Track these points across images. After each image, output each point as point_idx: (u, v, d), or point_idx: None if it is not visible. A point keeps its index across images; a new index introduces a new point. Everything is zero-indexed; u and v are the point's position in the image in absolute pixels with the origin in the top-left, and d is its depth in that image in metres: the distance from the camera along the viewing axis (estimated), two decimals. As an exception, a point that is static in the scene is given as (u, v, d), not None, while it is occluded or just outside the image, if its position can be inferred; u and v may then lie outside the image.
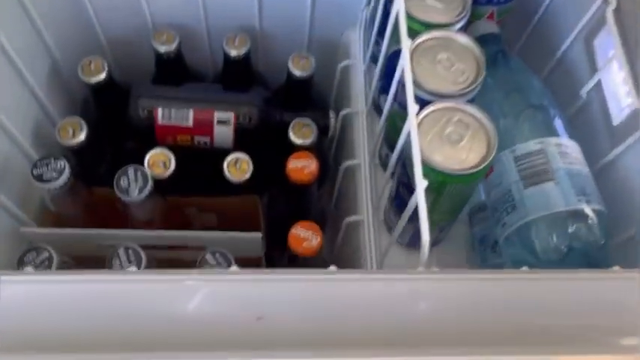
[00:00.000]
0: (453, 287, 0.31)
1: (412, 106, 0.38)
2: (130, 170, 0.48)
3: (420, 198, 0.35)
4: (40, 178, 0.47)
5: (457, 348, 0.29)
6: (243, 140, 0.61)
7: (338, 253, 0.62)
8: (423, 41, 0.44)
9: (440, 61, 0.43)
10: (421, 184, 0.35)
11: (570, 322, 0.29)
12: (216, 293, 0.29)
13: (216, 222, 0.63)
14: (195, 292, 0.29)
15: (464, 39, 0.44)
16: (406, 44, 0.40)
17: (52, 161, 0.48)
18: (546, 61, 0.54)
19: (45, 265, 0.44)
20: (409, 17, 0.44)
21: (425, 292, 0.31)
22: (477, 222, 0.50)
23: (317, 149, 0.58)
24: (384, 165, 0.57)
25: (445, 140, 0.40)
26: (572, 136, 0.45)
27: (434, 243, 0.53)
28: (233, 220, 0.61)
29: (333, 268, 0.33)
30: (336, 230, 0.65)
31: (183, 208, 0.61)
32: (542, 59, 0.54)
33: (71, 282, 0.29)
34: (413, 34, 0.44)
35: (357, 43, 0.63)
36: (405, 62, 0.40)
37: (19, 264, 0.44)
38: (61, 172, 0.47)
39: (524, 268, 0.33)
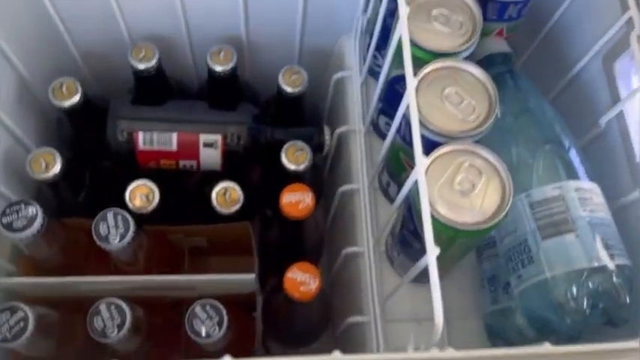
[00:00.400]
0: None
1: (420, 159, 0.34)
2: (109, 215, 0.44)
3: (431, 267, 0.31)
4: (9, 228, 0.43)
5: None
6: (231, 162, 0.57)
7: (335, 280, 0.59)
8: (429, 72, 0.39)
9: (448, 96, 0.39)
10: (433, 252, 0.32)
11: None
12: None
13: (205, 244, 0.60)
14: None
15: (474, 70, 0.39)
16: (412, 84, 0.36)
17: (23, 207, 0.43)
18: (556, 80, 0.50)
19: (20, 327, 0.40)
20: (413, 44, 0.40)
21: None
22: (486, 258, 0.47)
23: (311, 170, 0.54)
24: (384, 191, 0.53)
25: (456, 190, 0.36)
26: (588, 168, 0.42)
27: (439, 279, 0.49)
28: (224, 244, 0.57)
29: (337, 354, 0.30)
30: (330, 251, 0.62)
31: (170, 235, 0.57)
32: (551, 77, 0.50)
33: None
34: (417, 62, 0.40)
35: (352, 53, 0.58)
36: (411, 104, 0.35)
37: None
38: (33, 220, 0.43)
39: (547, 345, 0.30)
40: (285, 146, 0.53)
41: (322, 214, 0.64)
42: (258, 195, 0.60)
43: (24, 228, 0.43)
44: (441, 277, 0.48)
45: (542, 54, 0.52)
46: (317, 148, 0.57)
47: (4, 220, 0.43)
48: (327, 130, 0.57)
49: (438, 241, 0.34)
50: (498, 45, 0.47)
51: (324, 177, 0.64)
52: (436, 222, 0.35)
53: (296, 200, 0.47)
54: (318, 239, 0.59)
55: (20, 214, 0.43)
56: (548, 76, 0.51)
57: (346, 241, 0.54)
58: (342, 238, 0.56)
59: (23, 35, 0.54)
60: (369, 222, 0.52)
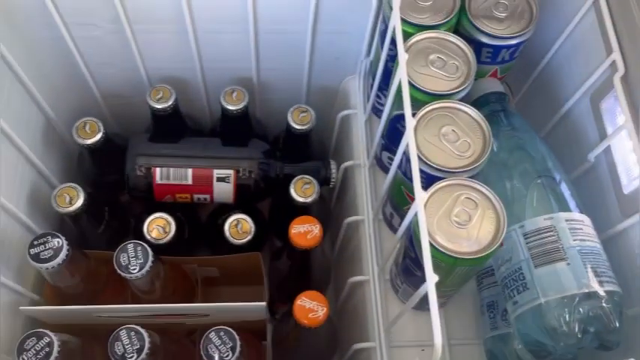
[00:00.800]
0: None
1: (419, 193, 0.37)
2: (130, 246, 0.47)
3: (431, 295, 0.34)
4: (36, 258, 0.46)
5: None
6: (243, 195, 0.60)
7: (341, 308, 0.61)
8: (427, 112, 0.43)
9: (445, 135, 0.42)
10: (432, 279, 0.34)
11: None
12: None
13: (217, 274, 0.63)
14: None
15: (470, 110, 0.43)
16: (411, 124, 0.39)
17: (49, 239, 0.46)
18: (548, 117, 0.53)
19: (45, 352, 0.43)
20: (412, 86, 0.43)
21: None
22: (486, 286, 0.49)
23: (318, 201, 0.57)
24: (388, 222, 0.56)
25: (453, 221, 0.39)
26: (578, 200, 0.44)
27: (440, 306, 0.52)
28: (235, 274, 0.60)
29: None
30: (337, 280, 0.64)
31: (184, 266, 0.60)
32: (543, 115, 0.53)
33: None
34: (416, 103, 0.43)
35: (356, 92, 0.62)
36: (411, 143, 0.39)
37: (19, 352, 0.43)
38: (59, 251, 0.46)
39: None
40: (294, 180, 0.56)
41: (329, 244, 0.67)
42: (268, 226, 0.63)
43: (50, 259, 0.46)
44: (443, 304, 0.51)
45: (535, 93, 0.56)
46: (324, 181, 0.60)
47: (32, 251, 0.46)
48: (333, 165, 0.60)
49: (437, 269, 0.36)
50: (493, 85, 0.50)
51: (330, 209, 0.66)
52: (435, 251, 0.38)
53: (304, 231, 0.50)
54: (325, 269, 0.61)
55: (47, 246, 0.46)
56: (541, 114, 0.54)
57: (352, 270, 0.56)
58: (348, 268, 0.58)
59: (50, 78, 0.58)
60: (374, 252, 0.54)
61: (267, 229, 0.63)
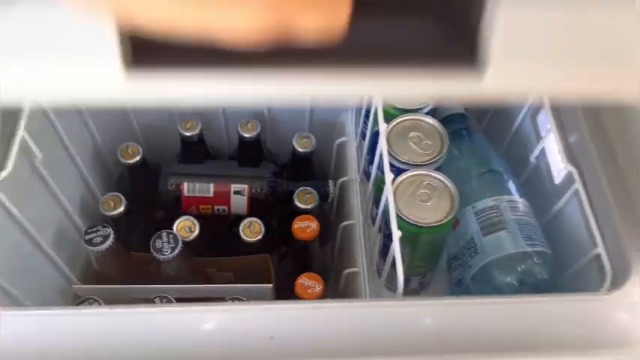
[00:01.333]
0: (419, 311, 0.40)
1: (388, 175, 0.49)
2: (164, 234, 0.59)
3: (395, 244, 0.45)
4: (90, 243, 0.57)
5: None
6: (255, 207, 0.72)
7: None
8: (397, 123, 0.55)
9: (411, 138, 0.54)
10: (396, 233, 0.45)
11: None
12: (232, 317, 0.39)
13: (233, 279, 0.73)
14: (214, 317, 0.38)
15: (430, 120, 0.55)
16: (383, 127, 0.52)
17: (100, 228, 0.58)
18: (505, 135, 0.65)
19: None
20: (387, 105, 0.56)
21: (397, 315, 0.40)
22: (455, 268, 0.59)
23: (319, 213, 0.69)
24: (374, 222, 0.67)
25: (417, 200, 0.50)
26: (526, 195, 0.56)
27: (420, 288, 0.62)
28: (247, 276, 0.70)
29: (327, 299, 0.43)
30: (337, 279, 0.74)
31: (205, 268, 0.70)
32: (501, 134, 0.66)
33: (97, 315, 0.39)
34: (390, 117, 0.56)
35: (350, 123, 0.75)
36: (382, 141, 0.51)
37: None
38: (107, 237, 0.58)
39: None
40: (297, 191, 0.68)
41: (331, 253, 0.77)
42: (276, 233, 0.74)
43: (100, 243, 0.58)
44: (421, 285, 0.61)
45: (496, 120, 0.68)
46: (323, 197, 0.72)
47: (87, 237, 0.58)
48: (331, 183, 0.72)
49: (405, 240, 0.47)
50: (456, 107, 0.63)
51: (330, 222, 0.77)
52: (402, 222, 0.49)
53: (304, 226, 0.62)
54: (324, 267, 0.72)
55: (98, 233, 0.58)
56: (500, 134, 0.66)
57: (347, 264, 0.66)
58: (344, 263, 0.68)
59: (100, 110, 0.72)
60: (364, 248, 0.65)
61: (275, 236, 0.74)
